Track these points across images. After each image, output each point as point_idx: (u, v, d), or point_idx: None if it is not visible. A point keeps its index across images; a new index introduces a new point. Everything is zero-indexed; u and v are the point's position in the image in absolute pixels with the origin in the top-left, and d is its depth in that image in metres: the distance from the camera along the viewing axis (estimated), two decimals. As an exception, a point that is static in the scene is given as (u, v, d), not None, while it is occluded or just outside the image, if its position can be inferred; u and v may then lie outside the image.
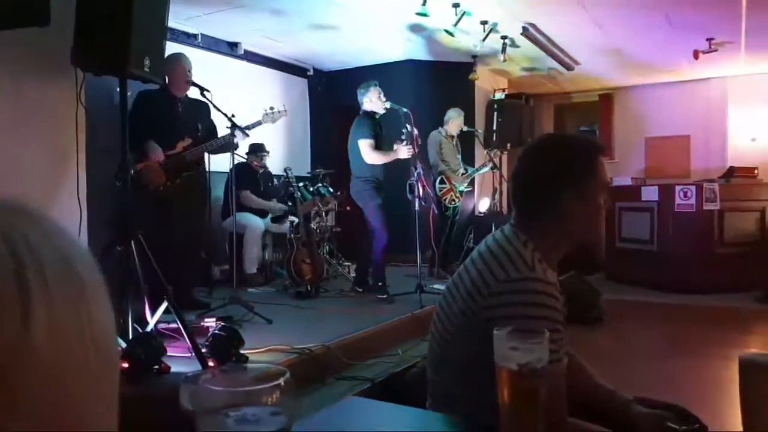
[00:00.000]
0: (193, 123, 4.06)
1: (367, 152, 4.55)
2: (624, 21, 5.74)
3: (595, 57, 7.05)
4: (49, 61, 2.90)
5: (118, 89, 2.95)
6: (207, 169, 4.49)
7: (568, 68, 7.29)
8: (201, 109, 4.08)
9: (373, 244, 4.60)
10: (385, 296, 4.58)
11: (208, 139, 4.04)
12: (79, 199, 2.89)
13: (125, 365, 2.42)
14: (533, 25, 5.89)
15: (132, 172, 3.17)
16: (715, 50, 6.30)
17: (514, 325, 1.14)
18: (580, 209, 1.27)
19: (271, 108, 4.21)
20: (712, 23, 5.73)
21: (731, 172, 6.47)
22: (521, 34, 5.97)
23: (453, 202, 5.93)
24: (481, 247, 1.33)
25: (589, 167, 1.29)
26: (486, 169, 6.42)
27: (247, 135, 4.07)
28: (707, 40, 6.20)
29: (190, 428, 0.69)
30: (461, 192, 6.02)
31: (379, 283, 4.67)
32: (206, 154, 4.14)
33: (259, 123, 4.11)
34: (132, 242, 2.67)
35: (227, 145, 4.00)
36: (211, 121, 4.17)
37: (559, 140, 1.38)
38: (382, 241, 4.57)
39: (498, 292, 1.20)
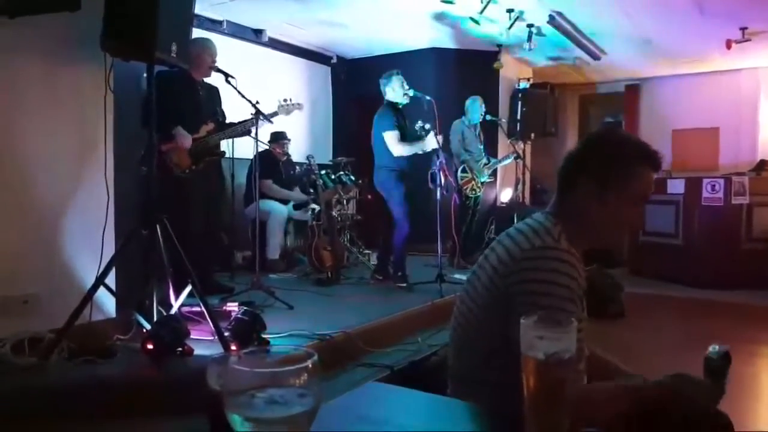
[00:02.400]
0: (212, 107, 4.14)
1: (393, 144, 4.52)
2: (653, 9, 5.61)
3: (623, 46, 6.91)
4: (78, 46, 2.93)
5: (144, 74, 2.99)
6: (232, 156, 4.55)
7: (595, 58, 7.17)
8: (215, 94, 4.18)
9: (394, 233, 4.60)
10: (405, 285, 4.59)
11: (229, 124, 4.10)
12: (106, 182, 2.93)
13: (150, 346, 2.47)
14: (560, 14, 5.79)
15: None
16: (749, 40, 6.13)
17: (538, 291, 1.15)
18: (595, 209, 1.26)
19: (285, 99, 4.24)
20: (746, 11, 5.57)
21: (762, 165, 6.32)
22: (547, 22, 5.89)
23: (474, 192, 5.90)
24: (509, 229, 1.34)
25: (622, 173, 1.26)
26: (509, 160, 6.37)
27: (271, 122, 4.10)
28: (740, 29, 6.04)
29: (213, 409, 0.70)
30: (483, 182, 5.98)
31: (399, 272, 4.67)
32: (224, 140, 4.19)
33: (274, 114, 4.13)
34: (157, 226, 2.71)
35: (247, 130, 4.06)
36: (222, 110, 4.24)
37: (610, 136, 1.36)
38: (404, 230, 4.56)
39: (522, 259, 1.22)
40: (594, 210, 1.26)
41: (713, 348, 1.31)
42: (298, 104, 4.31)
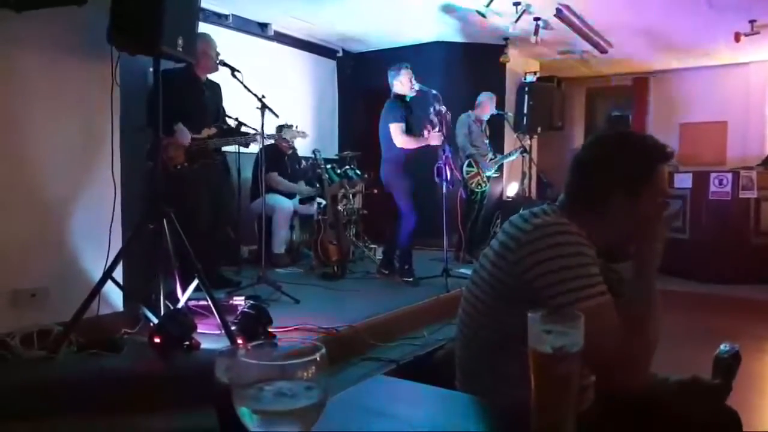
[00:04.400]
0: (215, 108, 4.14)
1: (397, 136, 4.51)
2: (661, 1, 5.56)
3: (630, 39, 6.86)
4: (85, 40, 2.93)
5: (151, 69, 3.00)
6: (238, 149, 4.57)
7: (602, 51, 7.12)
8: (218, 91, 4.19)
9: (400, 227, 4.59)
10: (411, 279, 4.59)
11: (231, 131, 4.16)
12: (113, 176, 2.94)
13: (157, 340, 2.48)
14: (567, 7, 5.75)
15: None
16: (758, 33, 6.06)
17: (548, 268, 1.15)
18: (625, 213, 1.26)
19: (289, 125, 4.54)
20: (756, 4, 5.51)
21: (770, 159, 6.28)
22: (554, 15, 5.84)
23: (480, 187, 5.88)
24: (512, 217, 1.33)
25: (649, 174, 1.26)
26: (515, 156, 6.35)
27: (277, 116, 4.12)
28: (749, 21, 5.97)
29: (220, 402, 0.70)
30: (488, 177, 5.97)
31: (405, 266, 4.67)
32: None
33: (278, 136, 4.35)
34: (164, 220, 2.72)
35: (247, 143, 4.17)
36: (223, 107, 4.28)
37: (626, 139, 1.35)
38: (409, 224, 4.55)
39: (525, 243, 1.21)
40: (624, 211, 1.26)
41: (724, 347, 1.31)
42: (303, 132, 4.61)
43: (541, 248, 1.18)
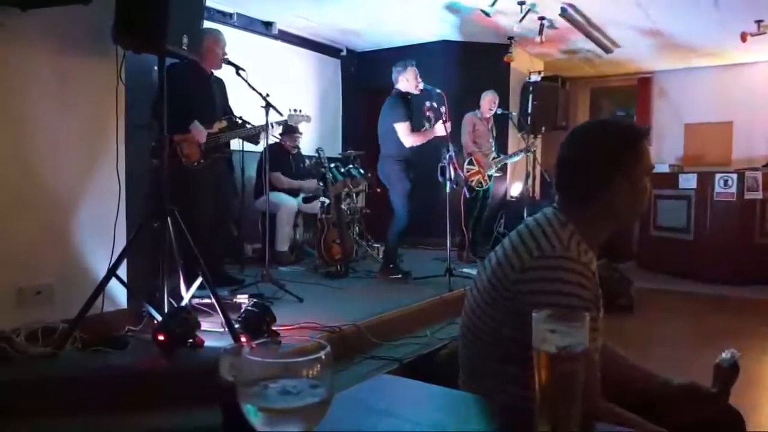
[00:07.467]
0: (222, 102, 4.14)
1: (405, 135, 4.48)
2: (667, 1, 5.55)
3: (635, 39, 6.85)
4: (90, 38, 2.94)
5: (156, 67, 3.00)
6: (242, 148, 4.58)
7: (607, 51, 7.11)
8: (222, 86, 4.20)
9: (391, 224, 4.57)
10: (400, 276, 4.57)
11: (242, 124, 4.15)
12: (118, 174, 2.95)
13: (161, 338, 2.49)
14: (572, 6, 5.74)
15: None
16: (764, 33, 6.04)
17: (543, 300, 1.16)
18: (627, 195, 1.28)
19: (295, 109, 4.40)
20: (762, 4, 5.48)
21: (776, 160, 6.27)
22: (560, 14, 5.84)
23: (480, 185, 5.88)
24: (520, 226, 1.33)
25: (635, 152, 1.28)
26: (518, 157, 6.34)
27: (282, 115, 4.14)
28: (756, 21, 5.95)
29: (224, 399, 0.70)
30: (490, 176, 5.96)
31: (390, 265, 4.64)
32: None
33: (284, 122, 4.27)
34: (168, 218, 2.72)
35: (257, 134, 4.17)
36: (228, 104, 4.29)
37: (605, 126, 1.36)
38: (401, 224, 4.51)
39: (530, 268, 1.21)
40: (624, 194, 1.28)
41: (725, 354, 1.32)
42: (307, 116, 4.48)
43: (544, 278, 1.19)
